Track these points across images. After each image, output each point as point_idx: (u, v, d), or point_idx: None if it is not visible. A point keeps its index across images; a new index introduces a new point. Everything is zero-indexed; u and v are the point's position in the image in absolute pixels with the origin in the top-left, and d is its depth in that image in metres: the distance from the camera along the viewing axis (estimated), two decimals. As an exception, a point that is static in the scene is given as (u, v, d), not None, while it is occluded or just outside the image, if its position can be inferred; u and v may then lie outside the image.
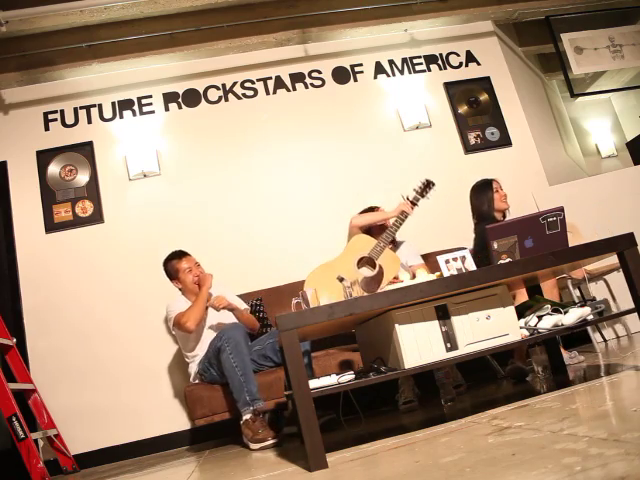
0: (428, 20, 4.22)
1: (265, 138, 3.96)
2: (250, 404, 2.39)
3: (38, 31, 3.64)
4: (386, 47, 4.26)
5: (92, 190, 3.71)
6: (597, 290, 3.59)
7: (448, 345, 1.86)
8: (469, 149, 4.12)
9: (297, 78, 4.12)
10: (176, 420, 3.37)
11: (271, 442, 2.31)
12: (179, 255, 3.00)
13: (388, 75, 4.22)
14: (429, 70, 4.28)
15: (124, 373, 3.42)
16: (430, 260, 3.42)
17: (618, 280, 3.37)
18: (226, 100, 4.02)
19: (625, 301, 2.68)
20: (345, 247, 3.01)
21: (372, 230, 3.12)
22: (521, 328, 1.97)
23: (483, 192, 3.18)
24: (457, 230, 3.59)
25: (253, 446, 2.35)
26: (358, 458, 1.62)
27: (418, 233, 3.84)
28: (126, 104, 3.91)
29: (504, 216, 3.21)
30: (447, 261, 2.00)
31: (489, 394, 2.47)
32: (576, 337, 3.66)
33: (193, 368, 2.86)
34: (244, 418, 2.40)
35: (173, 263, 2.99)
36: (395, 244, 3.15)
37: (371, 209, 3.23)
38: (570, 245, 2.07)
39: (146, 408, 3.37)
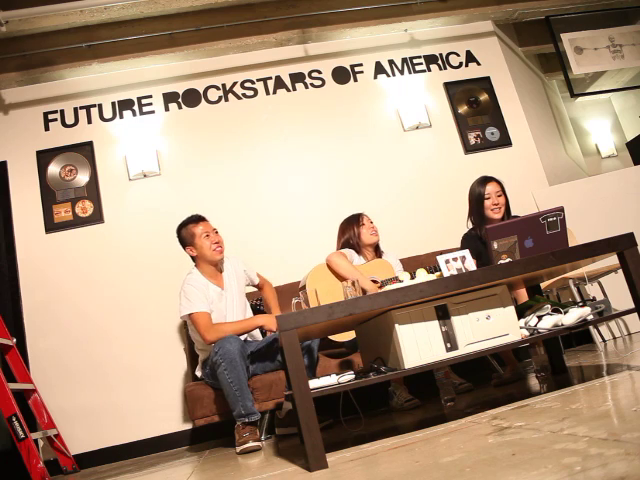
0: (428, 20, 4.22)
1: (265, 138, 3.97)
2: (245, 417, 2.40)
3: (38, 31, 3.64)
4: (386, 47, 4.26)
5: (92, 190, 3.72)
6: (590, 292, 3.59)
7: (448, 345, 1.86)
8: (469, 149, 4.12)
9: (297, 78, 4.12)
10: (176, 420, 3.37)
11: (251, 445, 2.33)
12: (196, 219, 2.77)
13: (388, 75, 4.22)
14: (429, 70, 4.28)
15: (124, 373, 3.42)
16: (429, 260, 3.42)
17: (612, 282, 3.36)
18: (226, 100, 4.02)
19: (618, 303, 2.68)
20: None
21: (359, 246, 3.06)
22: (521, 328, 1.97)
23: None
24: (457, 230, 3.58)
25: (236, 449, 2.37)
26: (358, 458, 1.62)
27: (418, 233, 3.86)
28: (126, 104, 3.91)
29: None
30: (447, 261, 2.00)
31: (489, 394, 2.47)
32: (577, 337, 3.67)
33: (202, 358, 2.78)
34: (237, 424, 2.43)
35: (189, 227, 2.74)
36: (380, 255, 3.13)
37: (355, 216, 3.13)
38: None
39: (146, 408, 3.38)
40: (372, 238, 3.05)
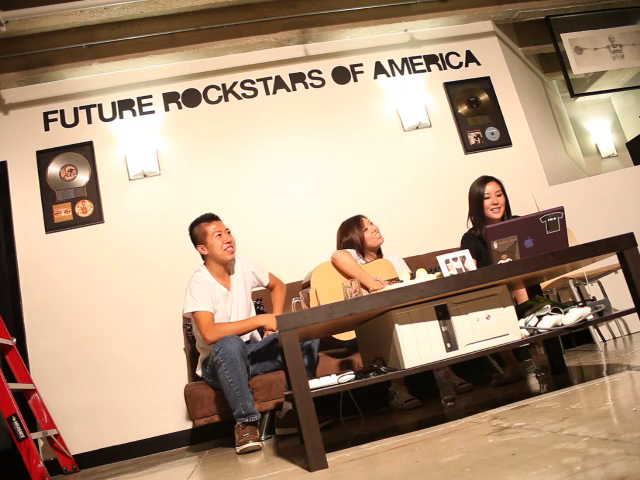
0: (428, 20, 4.22)
1: (265, 138, 3.97)
2: (245, 417, 2.40)
3: (38, 31, 3.64)
4: (386, 47, 4.26)
5: (92, 190, 3.72)
6: (590, 292, 3.59)
7: (448, 345, 1.86)
8: (469, 149, 4.12)
9: (297, 78, 4.12)
10: (176, 420, 3.37)
11: (251, 445, 2.33)
12: (209, 218, 2.76)
13: (388, 75, 4.22)
14: (429, 70, 4.28)
15: (124, 373, 3.42)
16: (429, 260, 3.42)
17: (612, 282, 3.35)
18: (226, 100, 4.02)
19: (618, 303, 2.68)
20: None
21: (363, 250, 3.05)
22: (521, 328, 1.97)
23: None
24: (457, 230, 3.58)
25: (236, 449, 2.37)
26: (358, 458, 1.62)
27: (418, 233, 3.86)
28: (126, 104, 3.91)
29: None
30: (447, 261, 2.00)
31: (489, 394, 2.47)
32: (577, 337, 3.67)
33: (202, 357, 2.78)
34: (237, 424, 2.43)
35: (202, 225, 2.72)
36: (381, 256, 3.13)
37: (355, 219, 3.12)
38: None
39: (146, 408, 3.38)
40: (378, 240, 3.04)
